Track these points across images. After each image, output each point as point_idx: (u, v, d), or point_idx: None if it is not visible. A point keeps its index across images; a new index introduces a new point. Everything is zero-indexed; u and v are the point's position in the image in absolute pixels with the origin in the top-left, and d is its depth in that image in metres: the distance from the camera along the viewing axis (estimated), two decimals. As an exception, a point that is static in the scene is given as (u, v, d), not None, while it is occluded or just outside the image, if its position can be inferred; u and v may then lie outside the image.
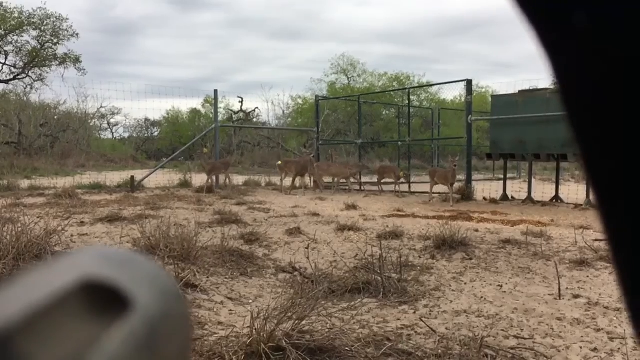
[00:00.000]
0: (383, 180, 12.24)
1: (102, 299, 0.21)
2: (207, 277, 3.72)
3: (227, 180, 12.34)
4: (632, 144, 0.23)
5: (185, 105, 46.72)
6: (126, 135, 36.73)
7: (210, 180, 11.56)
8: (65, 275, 0.21)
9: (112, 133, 36.70)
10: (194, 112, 34.42)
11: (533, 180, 10.54)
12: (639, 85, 0.22)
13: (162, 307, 0.24)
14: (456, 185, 9.98)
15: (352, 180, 12.73)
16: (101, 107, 31.33)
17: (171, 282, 0.26)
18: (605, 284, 3.65)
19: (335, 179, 12.70)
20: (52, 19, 26.76)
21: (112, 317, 0.21)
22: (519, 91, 10.01)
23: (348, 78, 34.45)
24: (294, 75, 60.62)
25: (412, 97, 24.34)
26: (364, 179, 13.57)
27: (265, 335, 2.27)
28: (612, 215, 0.26)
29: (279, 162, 12.83)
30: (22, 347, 0.17)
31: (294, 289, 3.34)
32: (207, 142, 25.36)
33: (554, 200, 9.64)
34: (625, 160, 0.24)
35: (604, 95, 0.23)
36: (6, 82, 27.77)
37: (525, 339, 2.65)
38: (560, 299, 3.31)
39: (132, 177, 11.69)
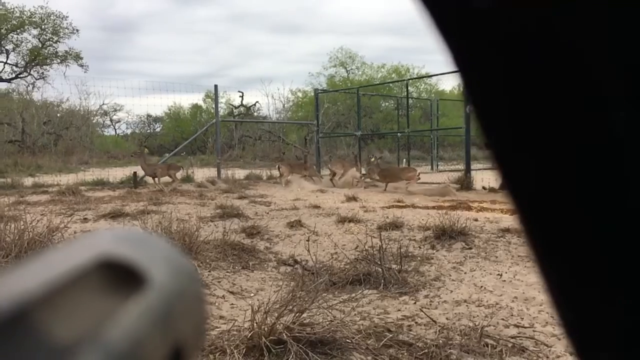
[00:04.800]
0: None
1: (119, 277, 0.22)
2: (209, 272, 3.74)
3: (173, 182, 11.65)
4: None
5: (186, 100, 46.60)
6: (129, 131, 36.68)
7: (156, 180, 11.46)
8: (83, 253, 0.21)
9: (115, 129, 36.67)
10: (195, 107, 34.36)
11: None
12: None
13: (177, 285, 0.24)
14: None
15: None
16: (103, 104, 31.26)
17: (186, 262, 0.26)
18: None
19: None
20: (52, 17, 26.78)
21: (128, 293, 0.21)
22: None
23: (347, 71, 34.39)
24: (293, 69, 60.50)
25: (411, 89, 24.32)
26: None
27: (266, 329, 2.29)
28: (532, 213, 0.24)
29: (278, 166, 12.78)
30: (42, 320, 0.18)
31: (295, 281, 3.36)
32: (208, 136, 25.37)
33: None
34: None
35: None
36: (8, 80, 27.79)
37: (525, 327, 2.66)
38: (560, 287, 3.32)
39: (135, 173, 11.69)
